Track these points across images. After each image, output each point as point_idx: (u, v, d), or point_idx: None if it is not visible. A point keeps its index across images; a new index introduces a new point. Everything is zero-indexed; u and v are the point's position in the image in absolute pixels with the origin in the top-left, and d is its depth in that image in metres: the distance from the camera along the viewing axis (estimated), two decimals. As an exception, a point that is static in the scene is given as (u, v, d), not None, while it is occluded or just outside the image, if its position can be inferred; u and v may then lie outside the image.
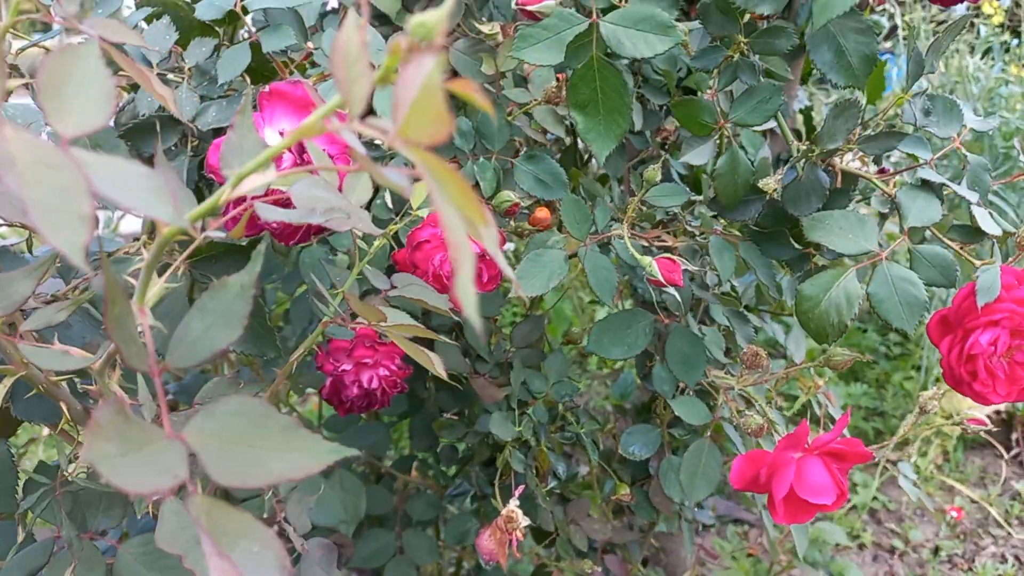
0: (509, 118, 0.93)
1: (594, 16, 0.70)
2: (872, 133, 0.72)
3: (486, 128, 0.89)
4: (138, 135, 0.76)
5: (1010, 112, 2.11)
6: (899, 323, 0.66)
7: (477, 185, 0.88)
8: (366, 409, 0.88)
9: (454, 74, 0.91)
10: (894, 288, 0.67)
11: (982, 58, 2.41)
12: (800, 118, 1.18)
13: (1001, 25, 2.52)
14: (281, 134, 0.61)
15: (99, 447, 0.30)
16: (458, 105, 0.97)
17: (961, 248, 0.70)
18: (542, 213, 1.00)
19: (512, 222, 0.94)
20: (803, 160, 0.73)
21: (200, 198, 0.82)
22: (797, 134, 1.41)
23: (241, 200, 0.48)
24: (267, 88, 0.63)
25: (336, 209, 0.49)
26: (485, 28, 0.89)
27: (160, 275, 0.44)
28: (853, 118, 0.71)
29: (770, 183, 0.81)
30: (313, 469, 0.34)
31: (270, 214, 0.48)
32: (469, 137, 0.90)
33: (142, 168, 0.33)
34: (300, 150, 0.60)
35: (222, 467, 0.32)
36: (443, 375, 0.61)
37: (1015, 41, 2.45)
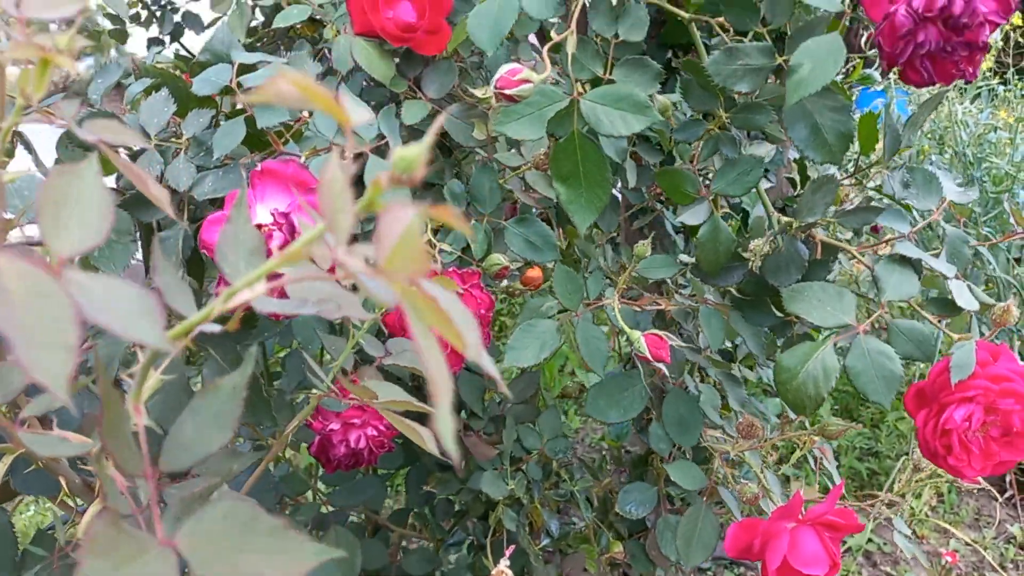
0: (500, 181, 0.96)
1: (575, 93, 0.72)
2: (850, 207, 0.74)
3: (478, 191, 0.92)
4: (136, 205, 0.78)
5: (999, 157, 2.15)
6: (876, 397, 0.68)
7: (468, 247, 0.90)
8: (353, 467, 0.89)
9: (446, 137, 0.93)
10: (871, 362, 0.69)
11: (971, 102, 2.45)
12: (795, 167, 1.21)
13: (990, 70, 2.56)
14: (273, 213, 0.63)
15: (93, 565, 0.31)
16: (452, 164, 1.00)
17: (938, 321, 0.72)
18: (533, 273, 1.02)
19: (503, 282, 0.96)
20: (783, 233, 0.75)
21: (198, 267, 0.84)
22: (792, 182, 1.44)
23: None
24: (259, 167, 0.66)
25: (329, 299, 0.51)
26: (478, 92, 0.92)
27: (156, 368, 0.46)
28: (831, 192, 0.73)
29: (757, 244, 0.83)
30: (301, 571, 0.36)
31: (265, 306, 0.50)
32: (460, 199, 0.93)
33: (132, 290, 0.34)
34: (291, 230, 0.62)
35: (213, 572, 0.34)
36: (435, 451, 0.62)
37: (1002, 87, 2.49)
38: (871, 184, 0.83)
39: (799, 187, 1.41)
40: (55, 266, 0.34)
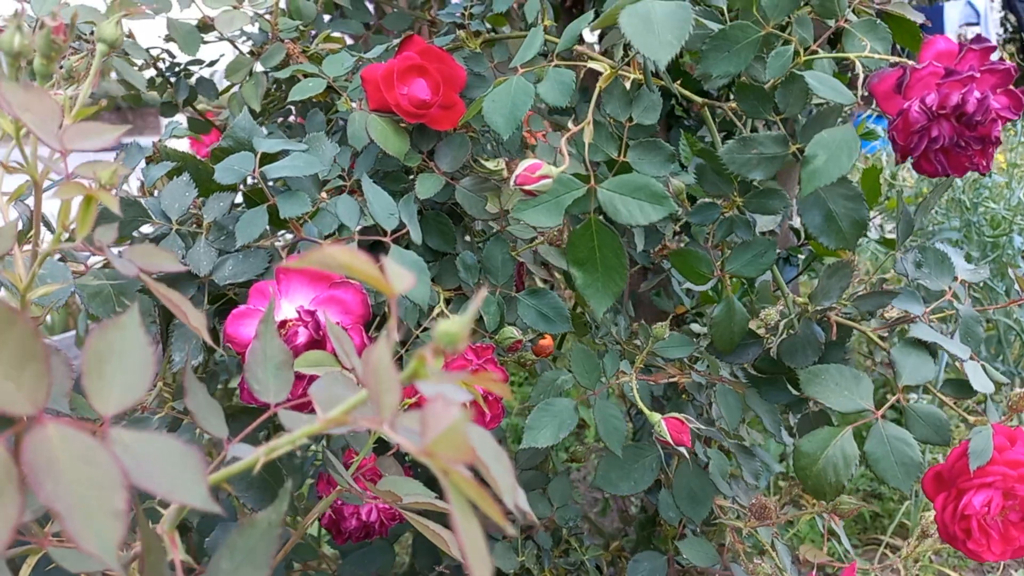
0: (513, 253, 0.96)
1: (592, 182, 0.73)
2: (864, 292, 0.75)
3: (490, 262, 0.92)
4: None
5: (995, 202, 2.16)
6: (895, 483, 0.68)
7: (481, 319, 0.90)
8: (364, 539, 0.89)
9: (457, 206, 0.94)
10: (890, 448, 0.69)
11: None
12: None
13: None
14: (299, 311, 0.63)
15: None
16: (464, 234, 1.00)
17: (954, 404, 0.73)
18: (545, 342, 1.03)
19: (516, 354, 0.96)
20: (799, 318, 0.76)
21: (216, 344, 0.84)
22: (796, 232, 1.44)
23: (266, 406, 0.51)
24: (284, 261, 0.66)
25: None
26: (490, 165, 0.93)
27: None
28: (846, 278, 0.74)
29: (768, 314, 0.84)
30: None
31: (294, 423, 0.50)
32: (473, 271, 0.93)
33: (176, 446, 0.35)
34: (316, 327, 0.63)
35: None
36: (457, 556, 0.62)
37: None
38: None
39: (802, 237, 1.42)
40: (100, 427, 0.34)
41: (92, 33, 1.02)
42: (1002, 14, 6.56)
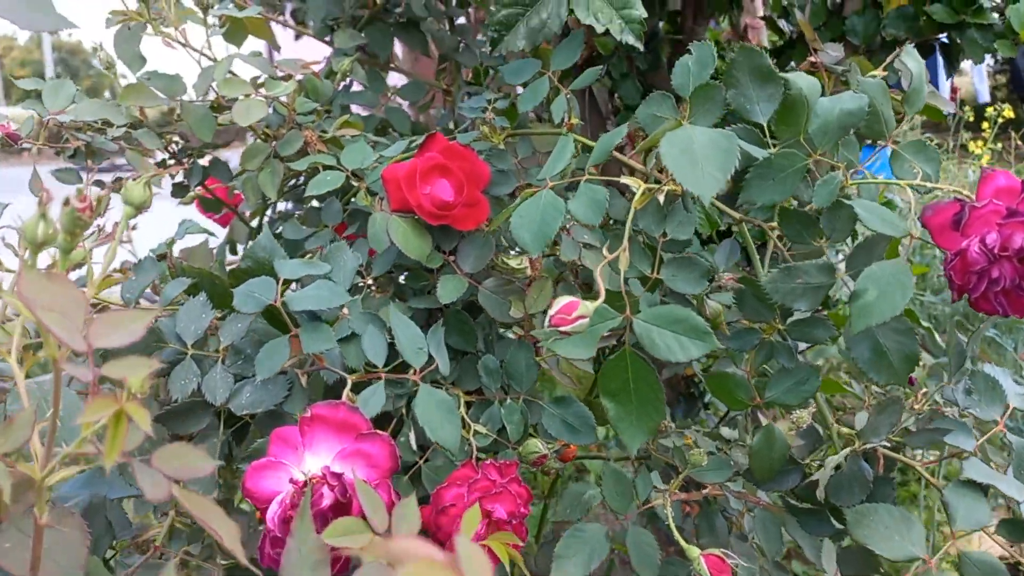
0: (538, 358, 0.93)
1: (628, 312, 0.69)
2: (914, 428, 0.71)
3: (514, 368, 0.89)
4: (173, 419, 0.75)
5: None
6: (953, 642, 0.65)
7: (503, 429, 0.87)
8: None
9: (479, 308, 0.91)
10: (946, 604, 0.65)
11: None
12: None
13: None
14: (324, 472, 0.60)
15: None
16: (486, 340, 0.97)
17: (1010, 547, 0.69)
18: (569, 451, 0.99)
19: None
20: (846, 455, 0.72)
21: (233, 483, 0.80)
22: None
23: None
24: (308, 412, 0.62)
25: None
26: (513, 263, 0.89)
27: None
28: (896, 414, 0.70)
29: (803, 418, 0.80)
30: None
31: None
32: (496, 376, 0.90)
33: None
34: (343, 491, 0.59)
35: None
36: None
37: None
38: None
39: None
40: None
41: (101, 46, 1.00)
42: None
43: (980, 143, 2.93)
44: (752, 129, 0.74)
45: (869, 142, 0.77)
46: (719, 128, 0.66)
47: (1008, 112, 3.28)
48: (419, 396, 0.70)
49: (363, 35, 1.30)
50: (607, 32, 0.88)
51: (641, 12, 0.87)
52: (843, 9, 1.40)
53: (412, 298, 0.91)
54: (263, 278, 0.73)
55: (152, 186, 0.54)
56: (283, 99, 1.04)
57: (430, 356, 0.73)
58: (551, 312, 0.64)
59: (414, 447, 0.81)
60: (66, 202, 0.45)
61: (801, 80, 0.67)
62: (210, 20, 1.01)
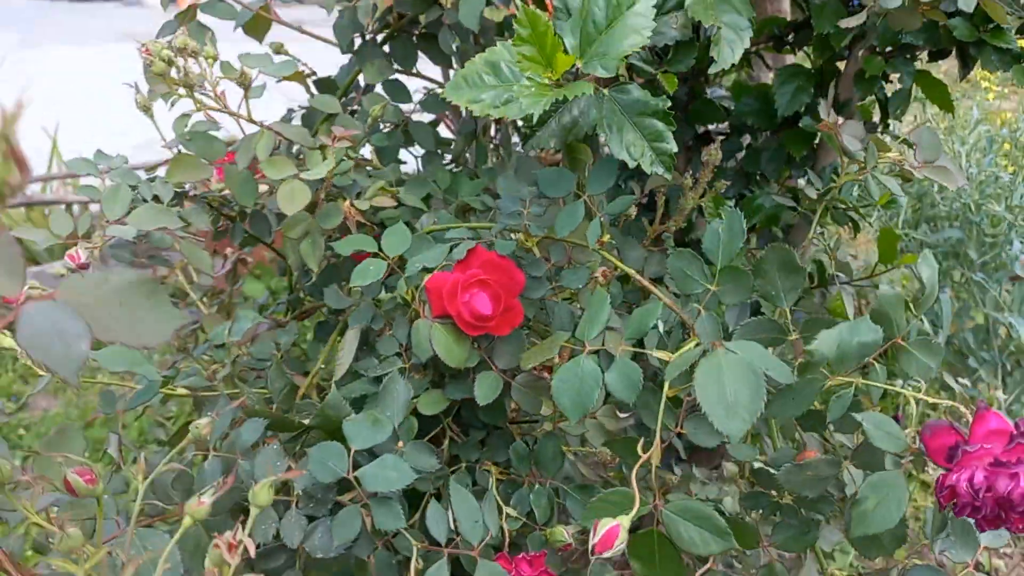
0: (565, 448, 1.03)
1: (657, 499, 0.79)
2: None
3: (542, 456, 0.99)
4: (260, 560, 0.85)
5: (997, 203, 2.20)
6: None
7: (532, 512, 0.98)
8: None
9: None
10: None
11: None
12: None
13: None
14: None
15: None
16: (521, 433, 1.07)
17: None
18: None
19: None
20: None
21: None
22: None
23: None
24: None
25: None
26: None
27: None
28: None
29: None
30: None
31: None
32: (526, 462, 1.00)
33: None
34: None
35: None
36: None
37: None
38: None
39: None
40: None
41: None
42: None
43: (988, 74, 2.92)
44: (775, 322, 0.81)
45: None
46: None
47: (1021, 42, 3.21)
48: (478, 572, 0.80)
49: (386, 48, 1.30)
50: (638, 166, 0.92)
51: (672, 146, 0.91)
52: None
53: (450, 385, 0.99)
54: (336, 446, 0.81)
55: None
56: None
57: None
58: (594, 538, 0.74)
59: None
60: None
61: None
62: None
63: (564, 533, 0.97)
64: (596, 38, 0.88)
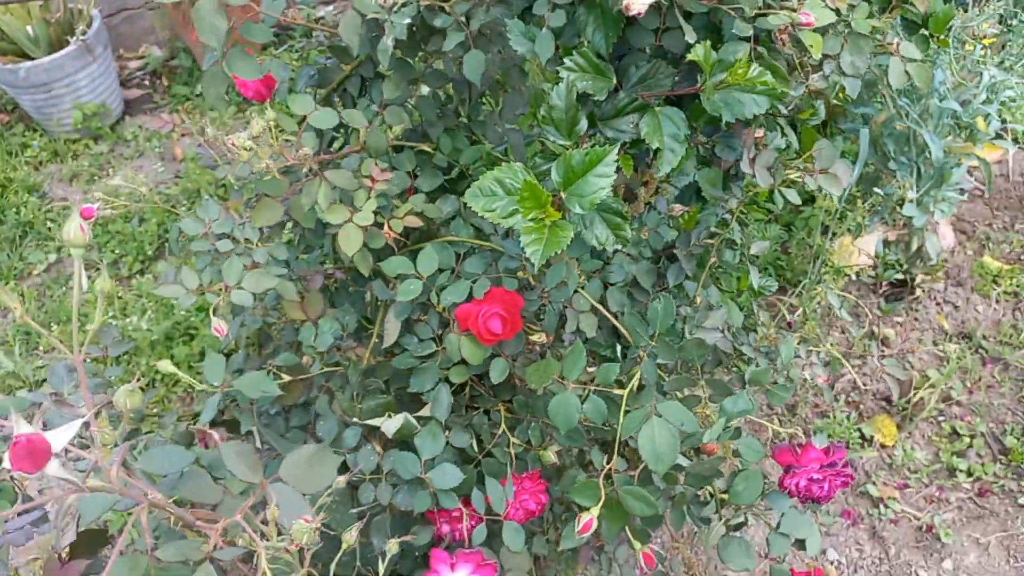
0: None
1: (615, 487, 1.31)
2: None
3: (535, 406, 1.51)
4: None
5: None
6: None
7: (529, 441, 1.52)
8: None
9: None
10: None
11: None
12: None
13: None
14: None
15: None
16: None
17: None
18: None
19: None
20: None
21: None
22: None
23: None
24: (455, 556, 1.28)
25: None
26: (535, 337, 1.46)
27: None
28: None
29: None
30: None
31: None
32: (524, 407, 1.52)
33: None
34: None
35: None
36: None
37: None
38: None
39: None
40: None
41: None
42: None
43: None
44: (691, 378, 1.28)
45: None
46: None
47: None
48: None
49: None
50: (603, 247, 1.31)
51: (628, 234, 1.30)
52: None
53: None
54: (410, 456, 1.30)
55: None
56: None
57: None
58: (578, 527, 1.25)
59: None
60: None
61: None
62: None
63: (551, 456, 1.49)
64: (573, 180, 1.23)
